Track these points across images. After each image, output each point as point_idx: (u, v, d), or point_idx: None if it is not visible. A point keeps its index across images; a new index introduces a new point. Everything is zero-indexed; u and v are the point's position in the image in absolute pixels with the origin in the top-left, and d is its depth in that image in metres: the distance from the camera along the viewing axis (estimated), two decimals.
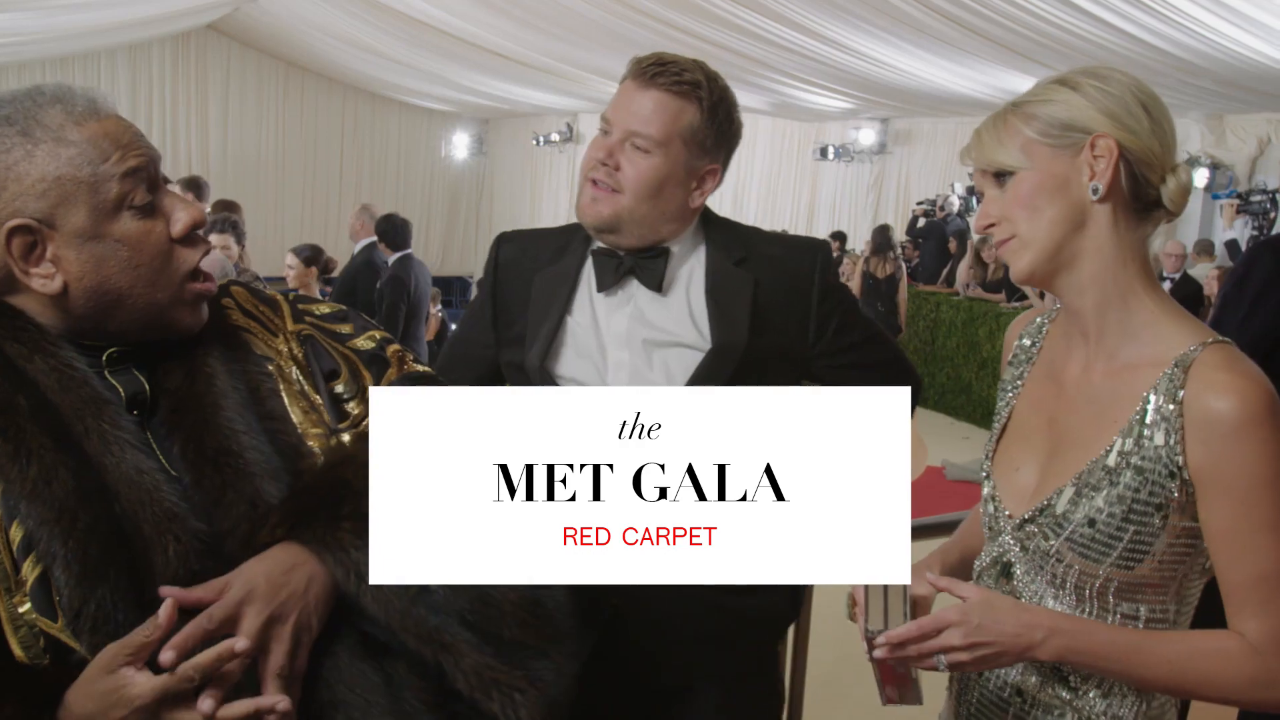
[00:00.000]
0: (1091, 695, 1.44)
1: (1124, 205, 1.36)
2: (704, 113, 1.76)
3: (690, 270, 1.83)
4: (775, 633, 2.10)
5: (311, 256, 6.26)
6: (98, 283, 1.24)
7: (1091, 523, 1.36)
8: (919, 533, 3.74)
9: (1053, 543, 1.39)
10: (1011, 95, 1.46)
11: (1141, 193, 1.36)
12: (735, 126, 1.83)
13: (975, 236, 11.10)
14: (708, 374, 1.77)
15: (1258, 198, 8.22)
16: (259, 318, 1.45)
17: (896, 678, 1.46)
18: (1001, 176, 1.39)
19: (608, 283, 1.82)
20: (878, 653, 1.38)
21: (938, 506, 4.76)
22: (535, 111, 18.44)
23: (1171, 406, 1.30)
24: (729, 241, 1.86)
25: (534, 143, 18.84)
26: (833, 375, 1.90)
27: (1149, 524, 1.33)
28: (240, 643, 1.14)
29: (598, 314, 1.83)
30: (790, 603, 1.98)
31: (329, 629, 1.22)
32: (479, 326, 2.00)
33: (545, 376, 1.84)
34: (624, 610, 1.62)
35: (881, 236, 10.85)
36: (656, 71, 1.75)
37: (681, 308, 1.81)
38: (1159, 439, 1.31)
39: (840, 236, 13.20)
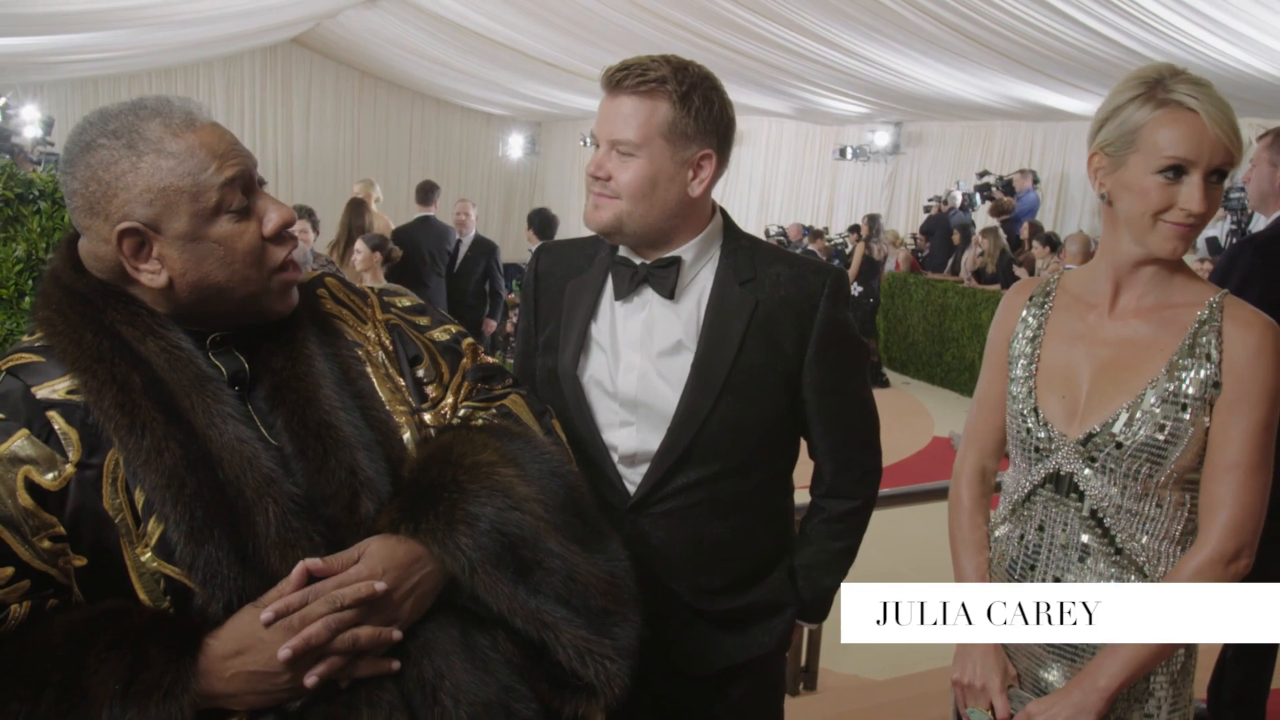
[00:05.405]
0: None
1: None
2: (676, 104, 1.65)
3: (703, 281, 1.76)
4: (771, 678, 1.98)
5: (378, 244, 6.39)
6: (199, 278, 1.24)
7: (1161, 427, 1.54)
8: (928, 496, 3.76)
9: (1125, 449, 1.55)
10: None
11: None
12: (717, 108, 1.69)
13: (977, 230, 10.96)
14: (697, 382, 1.72)
15: (1236, 194, 8.05)
16: (350, 306, 1.46)
17: None
18: (1221, 175, 1.51)
19: (624, 291, 1.77)
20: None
21: (945, 474, 4.75)
22: (582, 115, 18.40)
23: (1215, 336, 1.53)
24: (741, 261, 1.77)
25: (581, 143, 18.79)
26: (810, 406, 1.80)
27: (1201, 423, 1.53)
28: (380, 584, 1.19)
29: (616, 319, 1.79)
30: (779, 642, 1.89)
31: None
32: (530, 338, 1.94)
33: (574, 383, 1.80)
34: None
35: (875, 224, 11.28)
36: (622, 77, 1.66)
37: (690, 317, 1.75)
38: (1208, 355, 1.53)
39: (857, 229, 13.13)
